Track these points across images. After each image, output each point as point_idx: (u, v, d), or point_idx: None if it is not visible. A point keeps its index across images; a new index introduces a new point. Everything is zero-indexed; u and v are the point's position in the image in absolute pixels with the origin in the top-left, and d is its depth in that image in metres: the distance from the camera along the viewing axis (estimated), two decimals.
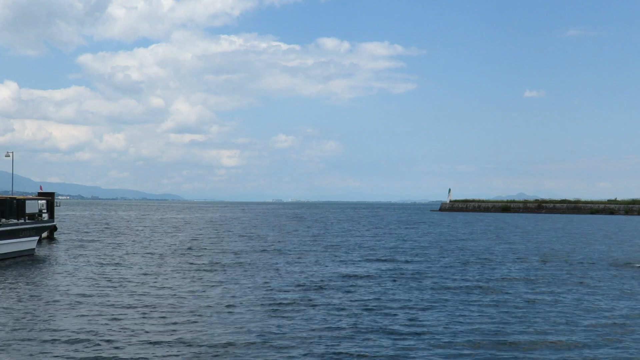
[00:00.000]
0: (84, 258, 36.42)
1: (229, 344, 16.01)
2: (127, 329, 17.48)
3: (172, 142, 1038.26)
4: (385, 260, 36.49)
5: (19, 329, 17.25)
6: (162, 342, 16.09)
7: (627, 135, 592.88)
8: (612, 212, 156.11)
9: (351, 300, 22.57)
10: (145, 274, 29.18)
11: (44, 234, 47.42)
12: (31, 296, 22.73)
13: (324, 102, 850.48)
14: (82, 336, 16.51)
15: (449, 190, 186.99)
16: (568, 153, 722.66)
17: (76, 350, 15.14)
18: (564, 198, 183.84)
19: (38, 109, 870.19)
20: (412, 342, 16.45)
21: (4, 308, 20.26)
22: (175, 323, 18.34)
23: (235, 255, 38.62)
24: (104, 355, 14.82)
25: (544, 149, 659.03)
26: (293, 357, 14.96)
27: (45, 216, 42.79)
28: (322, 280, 27.55)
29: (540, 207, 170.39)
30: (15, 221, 36.94)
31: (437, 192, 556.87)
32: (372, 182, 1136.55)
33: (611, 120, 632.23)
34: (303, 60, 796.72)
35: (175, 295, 23.33)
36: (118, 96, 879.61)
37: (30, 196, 48.77)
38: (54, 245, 46.09)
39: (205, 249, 43.55)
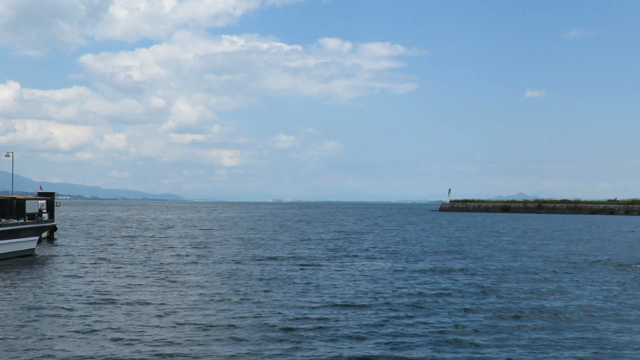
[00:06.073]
0: (84, 258, 36.35)
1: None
2: (127, 330, 17.42)
3: (173, 142, 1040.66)
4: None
5: (18, 330, 17.19)
6: (162, 344, 16.06)
7: (628, 135, 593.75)
8: (612, 212, 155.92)
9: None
10: (146, 276, 29.11)
11: (44, 234, 47.33)
12: (31, 297, 22.65)
13: (325, 102, 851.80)
14: (82, 337, 16.46)
15: (449, 190, 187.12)
16: (568, 153, 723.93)
17: (76, 351, 15.09)
18: (564, 198, 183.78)
19: (39, 109, 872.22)
20: None
21: (3, 308, 20.21)
22: (175, 329, 18.25)
23: (236, 262, 38.53)
24: (104, 356, 14.79)
25: (544, 149, 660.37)
26: None
27: (45, 216, 42.67)
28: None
29: (540, 207, 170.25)
30: (15, 221, 36.87)
31: (437, 192, 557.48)
32: (372, 182, 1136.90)
33: (611, 120, 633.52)
34: (305, 60, 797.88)
35: (176, 298, 23.25)
36: (119, 96, 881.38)
37: (31, 196, 48.67)
38: (54, 245, 46.02)
39: (210, 250, 43.48)
